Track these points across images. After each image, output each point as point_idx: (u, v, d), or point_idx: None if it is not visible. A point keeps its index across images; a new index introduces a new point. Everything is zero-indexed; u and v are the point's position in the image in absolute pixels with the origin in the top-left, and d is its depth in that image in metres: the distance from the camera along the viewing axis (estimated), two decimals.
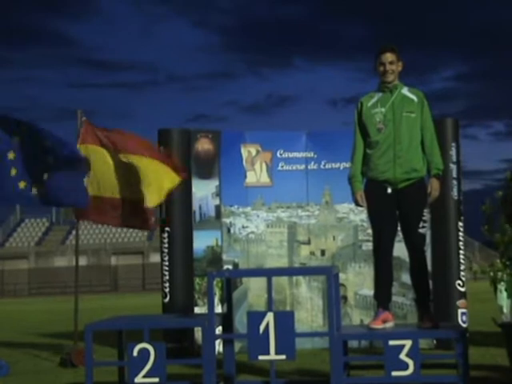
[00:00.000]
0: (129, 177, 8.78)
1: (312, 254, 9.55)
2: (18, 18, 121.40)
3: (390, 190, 6.15)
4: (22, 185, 8.78)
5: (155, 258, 48.13)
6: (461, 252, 9.16)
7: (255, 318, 5.66)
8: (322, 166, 9.58)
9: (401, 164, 6.11)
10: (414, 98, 6.22)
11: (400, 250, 6.50)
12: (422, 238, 6.35)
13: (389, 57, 6.20)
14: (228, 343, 6.30)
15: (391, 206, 6.17)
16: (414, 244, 6.19)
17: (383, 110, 6.17)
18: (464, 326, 8.60)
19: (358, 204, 6.30)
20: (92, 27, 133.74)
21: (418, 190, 6.16)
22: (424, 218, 6.25)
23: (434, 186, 6.14)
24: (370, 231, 9.19)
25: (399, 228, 6.25)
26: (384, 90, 6.24)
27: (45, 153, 8.66)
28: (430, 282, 6.62)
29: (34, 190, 8.81)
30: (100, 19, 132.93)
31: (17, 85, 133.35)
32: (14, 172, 8.79)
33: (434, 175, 6.17)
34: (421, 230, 6.29)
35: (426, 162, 6.21)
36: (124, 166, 8.79)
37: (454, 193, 9.18)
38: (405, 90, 6.25)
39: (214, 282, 5.97)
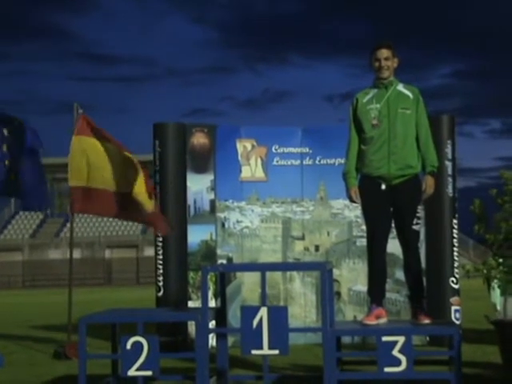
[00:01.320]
0: (128, 171, 8.74)
1: (306, 249, 9.56)
2: (18, 11, 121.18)
3: (384, 187, 6.15)
4: (12, 177, 8.86)
5: (149, 251, 48.12)
6: (455, 249, 9.18)
7: (249, 312, 5.67)
8: (317, 162, 9.58)
9: (395, 160, 6.10)
10: (410, 94, 6.22)
11: (394, 246, 6.51)
12: (415, 235, 6.34)
13: (384, 53, 6.19)
14: (221, 337, 6.30)
15: (385, 203, 6.17)
16: (408, 241, 6.19)
17: (378, 106, 6.16)
18: (457, 323, 8.63)
19: (352, 200, 6.30)
20: (91, 22, 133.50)
21: (412, 186, 6.16)
22: (418, 215, 6.24)
23: (428, 183, 6.15)
24: (364, 227, 9.20)
25: (393, 224, 6.26)
26: (379, 86, 6.23)
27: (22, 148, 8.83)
28: (424, 279, 6.63)
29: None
30: (99, 14, 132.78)
31: (15, 78, 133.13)
32: (7, 163, 8.85)
33: (428, 172, 6.17)
34: (415, 227, 6.29)
35: (420, 159, 6.20)
36: (122, 161, 8.77)
37: (449, 190, 9.19)
38: (400, 87, 6.25)
39: (208, 277, 5.97)
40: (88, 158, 8.85)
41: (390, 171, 6.11)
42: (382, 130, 6.13)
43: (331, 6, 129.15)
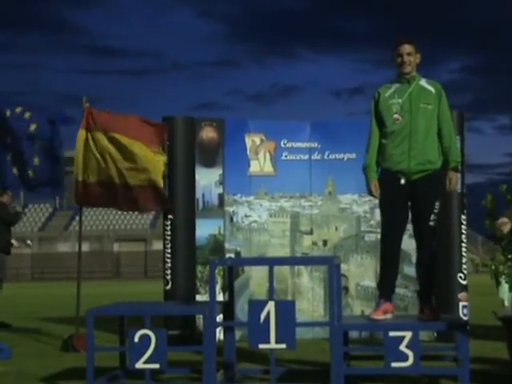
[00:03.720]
0: (129, 162, 8.76)
1: (314, 244, 9.56)
2: (25, 4, 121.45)
3: (403, 181, 6.12)
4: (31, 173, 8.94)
5: (158, 245, 48.17)
6: (463, 245, 9.16)
7: (256, 306, 5.68)
8: (325, 157, 9.57)
9: (415, 156, 6.07)
10: (432, 89, 6.20)
11: (404, 242, 6.48)
12: (431, 232, 6.27)
13: (407, 48, 6.19)
14: (229, 331, 6.32)
15: (404, 197, 6.15)
16: (424, 236, 6.16)
17: (400, 100, 6.15)
18: (465, 318, 8.61)
19: (371, 194, 6.27)
20: (98, 15, 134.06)
21: (431, 182, 6.12)
22: (435, 211, 6.17)
23: (453, 179, 6.12)
24: (372, 222, 9.23)
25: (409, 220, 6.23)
26: (402, 81, 6.21)
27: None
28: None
29: (31, 174, 8.92)
30: (106, 7, 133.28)
31: (21, 70, 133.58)
32: (36, 161, 8.92)
33: (452, 168, 6.14)
34: (431, 223, 6.23)
35: (441, 154, 6.17)
36: (124, 151, 8.78)
37: (458, 186, 9.17)
38: (423, 82, 6.23)
39: (216, 270, 5.98)
40: (93, 152, 8.85)
41: (409, 166, 6.09)
42: (403, 125, 6.11)
43: (339, 1, 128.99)
